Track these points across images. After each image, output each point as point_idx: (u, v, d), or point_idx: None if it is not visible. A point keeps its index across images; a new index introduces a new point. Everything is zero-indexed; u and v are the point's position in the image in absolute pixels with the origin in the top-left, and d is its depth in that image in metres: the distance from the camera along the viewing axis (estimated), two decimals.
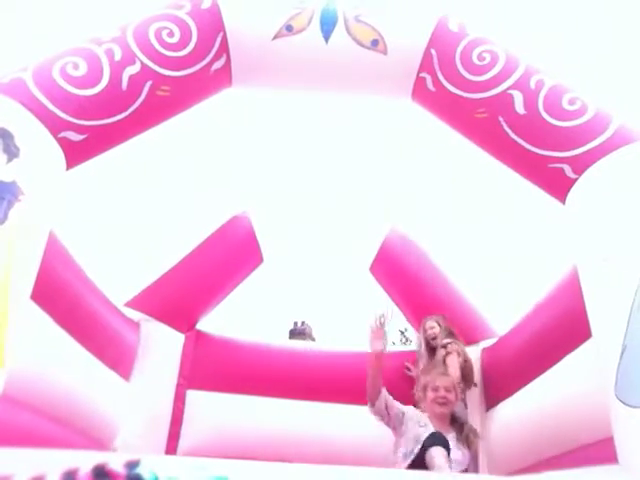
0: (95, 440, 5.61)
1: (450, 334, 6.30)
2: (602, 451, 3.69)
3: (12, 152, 3.58)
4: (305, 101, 5.90)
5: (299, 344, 9.07)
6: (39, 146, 3.80)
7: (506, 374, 5.80)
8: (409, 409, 4.88)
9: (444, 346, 6.16)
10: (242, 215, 7.12)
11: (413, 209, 7.53)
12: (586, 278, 4.01)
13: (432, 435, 4.54)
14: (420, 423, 4.72)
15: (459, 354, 6.07)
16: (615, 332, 3.48)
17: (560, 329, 4.79)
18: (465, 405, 6.04)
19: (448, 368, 5.85)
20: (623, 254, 3.61)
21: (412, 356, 7.45)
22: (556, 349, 4.79)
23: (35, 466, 2.18)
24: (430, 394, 4.78)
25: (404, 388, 6.65)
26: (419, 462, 4.40)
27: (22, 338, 3.70)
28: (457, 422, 4.85)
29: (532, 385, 5.23)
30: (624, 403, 3.33)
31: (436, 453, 4.35)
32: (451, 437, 4.65)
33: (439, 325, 6.41)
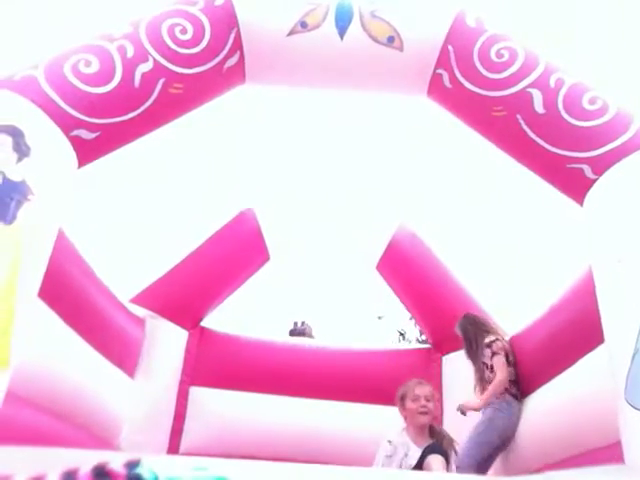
0: (99, 437, 5.61)
1: (485, 331, 5.95)
2: (612, 454, 3.67)
3: (22, 151, 3.53)
4: (313, 98, 5.85)
5: (303, 341, 9.06)
6: (50, 145, 3.75)
7: (518, 376, 5.76)
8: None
9: (489, 345, 5.78)
10: (248, 212, 7.08)
11: (422, 207, 7.48)
12: (601, 280, 3.96)
13: (430, 445, 4.53)
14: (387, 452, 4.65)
15: (506, 352, 5.72)
16: (627, 335, 3.45)
17: (574, 332, 4.74)
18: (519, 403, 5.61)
19: (496, 372, 5.58)
20: (638, 256, 3.56)
21: (411, 355, 7.43)
22: (570, 352, 4.75)
23: (35, 465, 2.14)
24: (411, 405, 4.72)
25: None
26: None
27: (29, 335, 3.67)
28: (435, 431, 4.80)
29: (544, 388, 5.21)
30: (633, 407, 3.32)
31: (434, 461, 4.32)
32: None
33: (462, 331, 6.11)
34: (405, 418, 4.76)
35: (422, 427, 4.65)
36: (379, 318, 22.52)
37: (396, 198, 7.32)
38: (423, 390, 4.78)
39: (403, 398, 4.80)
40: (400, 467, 4.48)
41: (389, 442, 4.66)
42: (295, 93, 5.51)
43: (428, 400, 4.72)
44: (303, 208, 7.09)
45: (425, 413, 4.66)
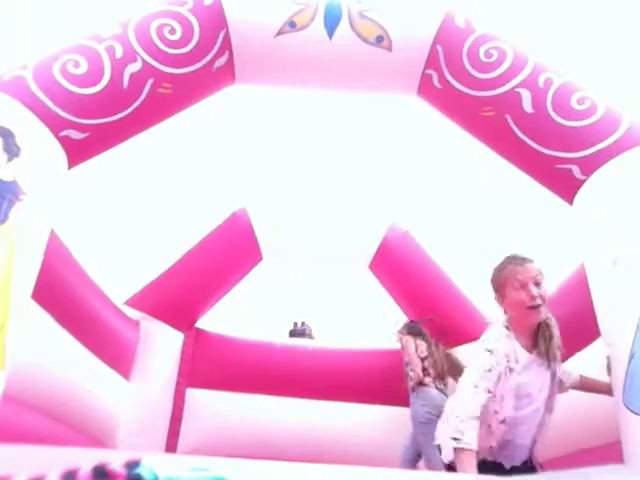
0: (95, 439, 5.60)
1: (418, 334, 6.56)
2: (608, 454, 3.66)
3: (13, 151, 3.54)
4: (304, 97, 5.84)
5: (299, 342, 9.04)
6: (40, 145, 3.75)
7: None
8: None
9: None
10: (241, 212, 7.07)
11: (413, 206, 7.47)
12: (594, 282, 3.96)
13: None
14: None
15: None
16: (624, 338, 3.44)
17: (566, 330, 4.73)
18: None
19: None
20: (632, 258, 3.56)
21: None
22: (564, 349, 4.75)
23: (34, 465, 2.13)
24: (514, 295, 3.35)
25: (401, 387, 6.63)
26: None
27: (23, 337, 3.67)
28: (540, 330, 3.49)
29: None
30: (632, 411, 3.31)
31: None
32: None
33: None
34: (505, 312, 3.46)
35: (531, 327, 3.40)
36: (384, 316, 22.43)
37: (388, 197, 7.31)
38: (529, 272, 3.35)
39: (503, 286, 3.44)
40: (499, 380, 3.22)
41: (488, 351, 3.26)
42: (289, 94, 5.51)
43: (539, 285, 3.34)
44: (296, 208, 7.08)
45: (536, 308, 3.33)
